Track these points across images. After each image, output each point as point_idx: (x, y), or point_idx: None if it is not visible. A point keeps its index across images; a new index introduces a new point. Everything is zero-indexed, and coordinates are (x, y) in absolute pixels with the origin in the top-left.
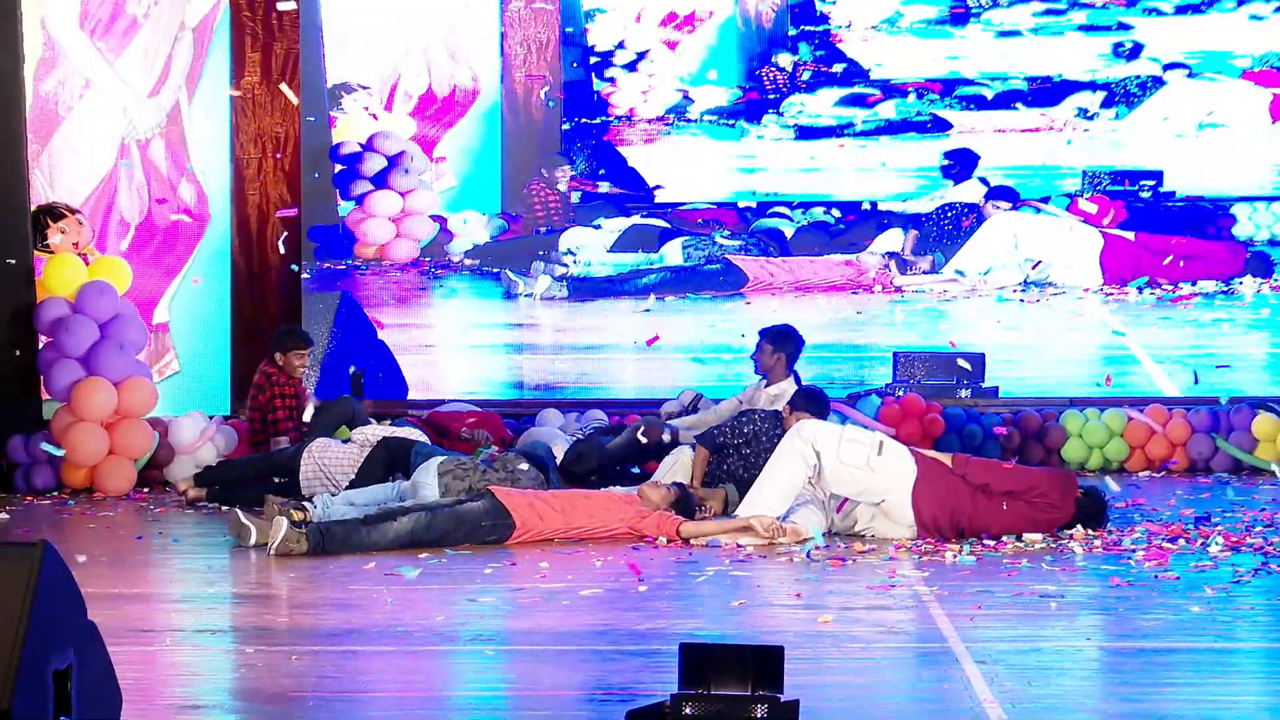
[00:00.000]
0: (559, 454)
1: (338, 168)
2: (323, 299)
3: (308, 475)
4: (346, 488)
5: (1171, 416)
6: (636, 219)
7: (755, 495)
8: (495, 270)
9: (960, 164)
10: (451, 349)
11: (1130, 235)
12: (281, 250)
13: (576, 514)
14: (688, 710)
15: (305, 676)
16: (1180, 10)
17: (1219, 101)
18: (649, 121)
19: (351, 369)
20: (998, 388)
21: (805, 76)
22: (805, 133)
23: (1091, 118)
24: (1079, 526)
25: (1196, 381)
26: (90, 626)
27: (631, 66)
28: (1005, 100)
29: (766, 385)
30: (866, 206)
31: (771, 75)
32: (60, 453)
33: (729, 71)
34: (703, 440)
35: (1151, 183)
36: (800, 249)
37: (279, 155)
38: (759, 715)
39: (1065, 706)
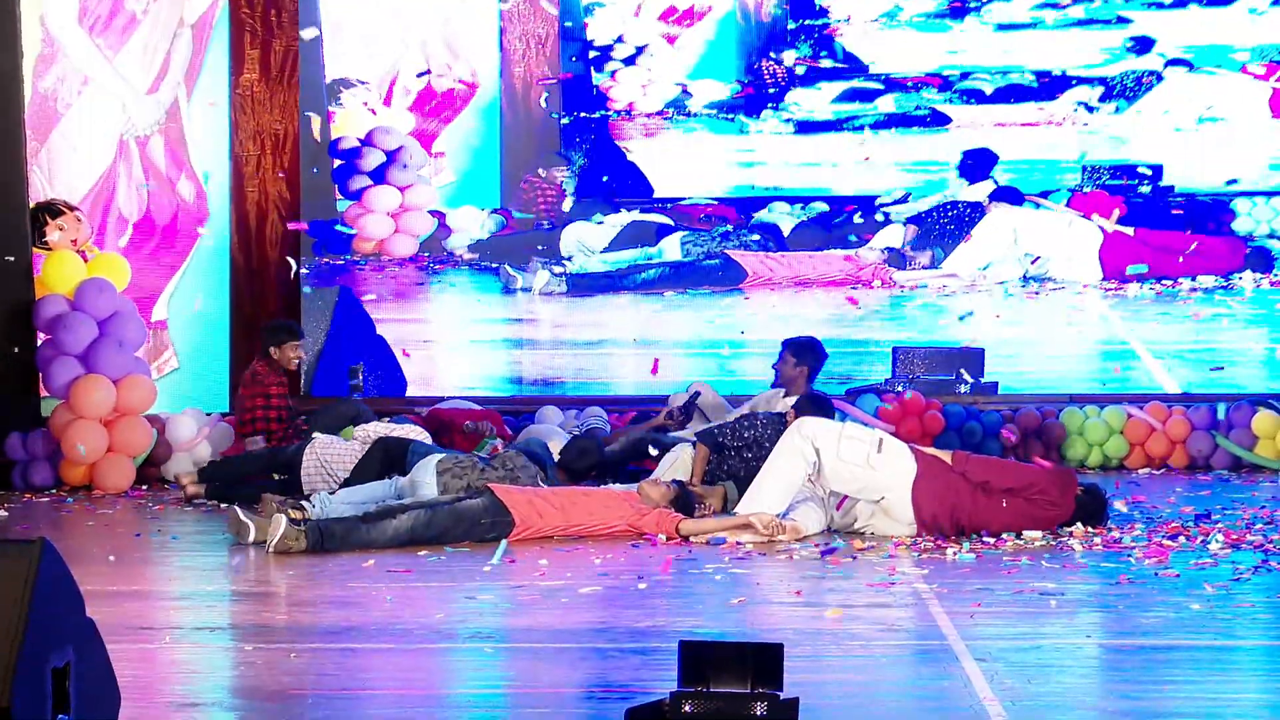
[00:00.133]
0: (556, 451)
1: (336, 163)
2: (321, 294)
3: (309, 472)
4: (340, 486)
5: (1171, 413)
6: (636, 214)
7: (755, 492)
8: (494, 265)
9: (978, 163)
10: (450, 345)
11: (1130, 230)
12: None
13: (576, 511)
14: (687, 708)
15: (304, 674)
16: (1178, 4)
17: (1219, 96)
18: (648, 116)
19: (356, 370)
20: (997, 383)
21: (800, 71)
22: (804, 127)
23: (1092, 111)
24: (1079, 524)
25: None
26: (89, 624)
27: (631, 61)
28: (1005, 95)
29: (786, 397)
30: (886, 200)
31: (770, 69)
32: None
33: (728, 66)
34: (703, 438)
35: (1149, 174)
36: (798, 244)
37: (280, 156)
38: (759, 713)
39: (1065, 704)
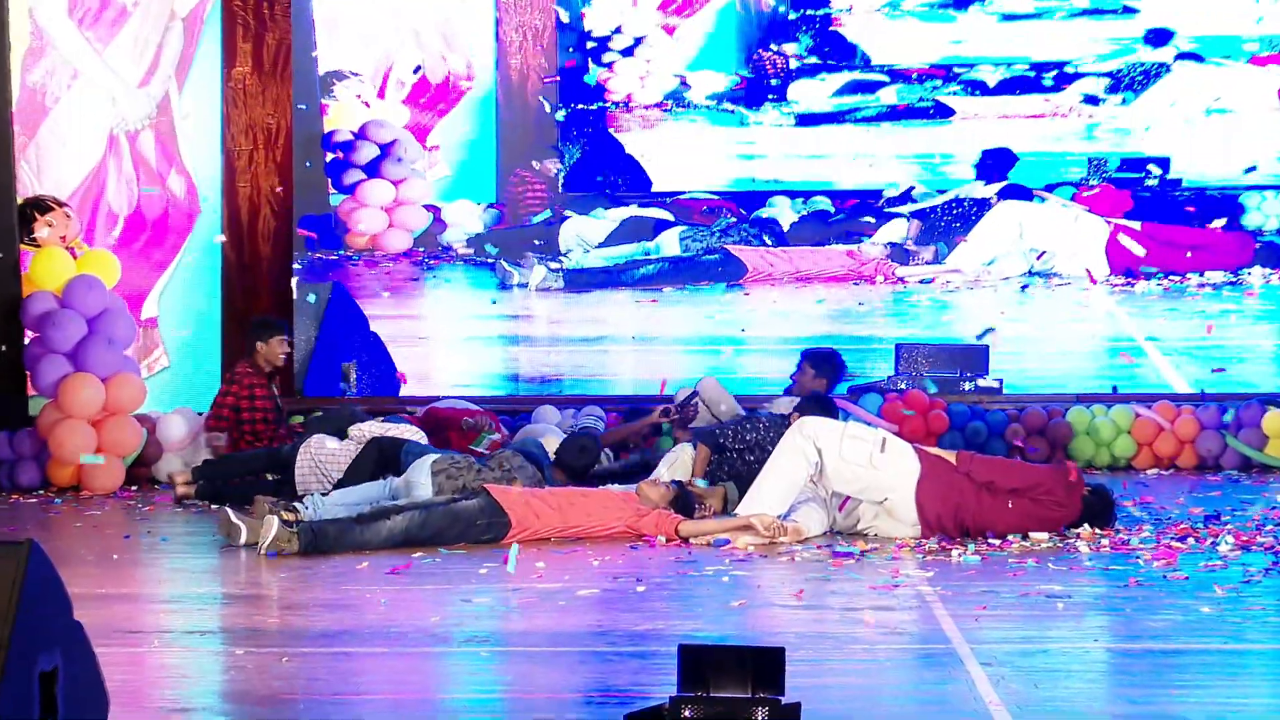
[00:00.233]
0: (552, 451)
1: (329, 156)
2: (313, 290)
3: (303, 471)
4: (334, 487)
5: (1180, 413)
6: (634, 209)
7: (756, 493)
8: (490, 260)
9: (997, 163)
10: (445, 341)
11: (1136, 225)
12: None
13: (573, 512)
14: (687, 713)
15: (296, 679)
16: None
17: (1226, 87)
18: (646, 108)
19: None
20: (1001, 381)
21: (795, 65)
22: (805, 119)
23: (1098, 103)
24: (1086, 525)
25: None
26: (77, 627)
27: (629, 52)
28: (1009, 86)
29: None
30: (894, 193)
31: (770, 60)
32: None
33: (728, 57)
34: (704, 438)
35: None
36: (799, 239)
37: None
38: (759, 718)
39: (1072, 709)
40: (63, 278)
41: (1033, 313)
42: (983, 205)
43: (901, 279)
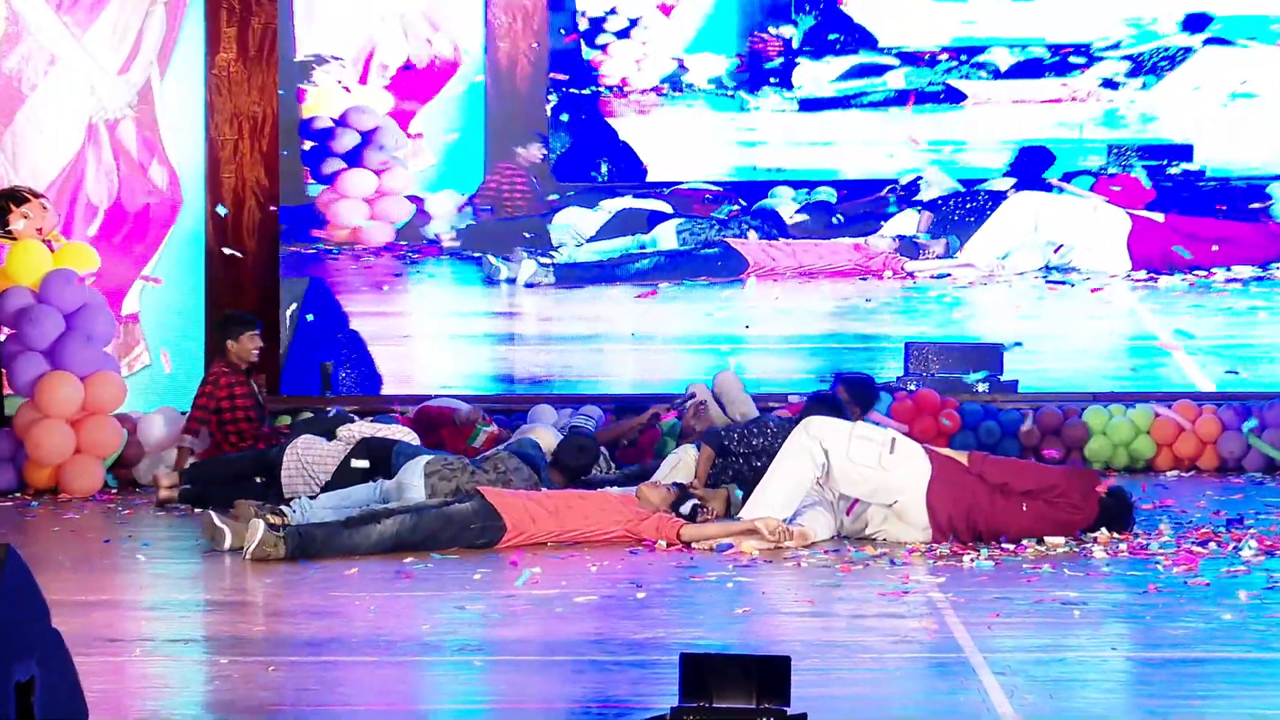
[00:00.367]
0: (549, 451)
1: (308, 144)
2: (290, 285)
3: (290, 473)
4: (322, 489)
5: (1201, 413)
6: (629, 199)
7: (760, 496)
8: (476, 255)
9: (1033, 162)
10: (430, 339)
11: (1159, 216)
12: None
13: (571, 516)
14: None
15: (283, 688)
16: None
17: (1252, 70)
18: (642, 92)
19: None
20: (1017, 381)
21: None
22: (808, 104)
23: (1117, 87)
24: (1103, 529)
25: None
26: (55, 635)
27: (624, 34)
28: (1023, 70)
29: None
30: (905, 180)
31: (771, 42)
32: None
33: (727, 39)
34: (708, 440)
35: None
36: (802, 231)
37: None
38: None
39: None
40: (40, 272)
41: (1050, 309)
42: (994, 194)
43: (911, 274)
